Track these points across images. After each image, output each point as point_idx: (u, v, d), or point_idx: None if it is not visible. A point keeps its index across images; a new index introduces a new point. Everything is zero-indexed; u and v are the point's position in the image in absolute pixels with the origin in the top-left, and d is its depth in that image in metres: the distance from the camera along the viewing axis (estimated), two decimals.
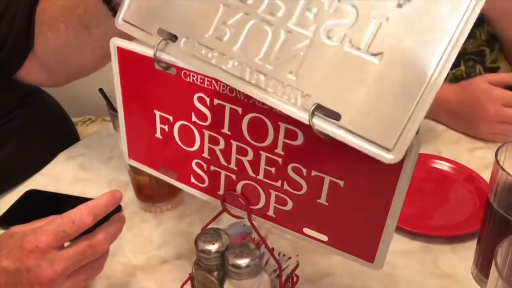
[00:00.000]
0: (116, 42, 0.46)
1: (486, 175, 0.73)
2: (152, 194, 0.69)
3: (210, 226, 0.51)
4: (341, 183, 0.41)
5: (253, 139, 0.43)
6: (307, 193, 0.43)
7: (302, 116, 0.37)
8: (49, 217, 0.51)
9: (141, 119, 0.49)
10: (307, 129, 0.38)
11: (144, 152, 0.52)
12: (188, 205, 0.72)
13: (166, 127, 0.48)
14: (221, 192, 0.48)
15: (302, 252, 0.64)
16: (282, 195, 0.44)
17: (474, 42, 0.98)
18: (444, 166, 0.76)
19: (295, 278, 0.57)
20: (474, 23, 0.98)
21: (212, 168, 0.47)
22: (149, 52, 0.44)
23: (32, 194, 0.74)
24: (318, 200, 0.43)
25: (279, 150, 0.42)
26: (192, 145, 0.47)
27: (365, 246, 0.43)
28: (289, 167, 0.42)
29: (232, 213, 0.48)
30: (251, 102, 0.41)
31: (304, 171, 0.42)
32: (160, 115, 0.48)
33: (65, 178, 0.77)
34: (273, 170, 0.43)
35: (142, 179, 0.68)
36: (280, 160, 0.43)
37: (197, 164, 0.48)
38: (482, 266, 0.58)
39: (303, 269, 0.62)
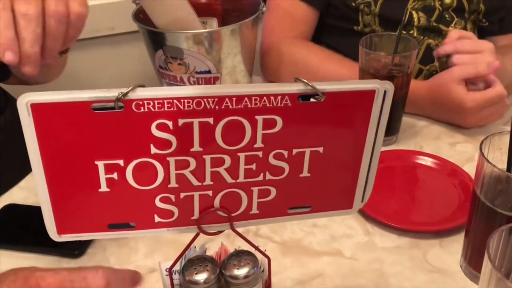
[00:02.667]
0: (29, 99, 0.37)
1: (468, 169, 0.74)
2: None
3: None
4: (321, 149, 0.43)
5: (229, 144, 0.42)
6: (290, 173, 0.44)
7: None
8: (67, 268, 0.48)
9: (75, 180, 0.41)
10: (286, 111, 0.40)
11: (83, 218, 0.44)
12: None
13: (114, 175, 0.41)
14: (195, 216, 0.45)
15: (292, 254, 0.64)
16: (265, 187, 0.44)
17: (446, 38, 0.99)
18: (427, 161, 0.77)
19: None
20: (446, 21, 0.99)
21: (182, 195, 0.43)
22: (82, 96, 0.38)
23: (10, 209, 0.72)
24: (301, 175, 0.44)
25: (258, 144, 0.42)
26: (153, 181, 0.42)
27: (343, 198, 0.46)
28: (270, 155, 0.42)
29: (209, 233, 0.45)
30: (223, 107, 0.40)
31: (285, 153, 0.43)
32: (104, 164, 0.41)
33: None
34: (253, 166, 0.43)
35: None
36: (260, 153, 0.42)
37: (162, 199, 0.44)
38: (471, 258, 0.59)
39: (293, 270, 0.62)
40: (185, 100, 0.39)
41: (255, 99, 0.39)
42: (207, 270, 0.45)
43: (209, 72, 0.85)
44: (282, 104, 0.40)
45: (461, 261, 0.61)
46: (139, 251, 0.65)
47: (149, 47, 0.87)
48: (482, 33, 1.06)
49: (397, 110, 0.80)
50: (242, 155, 0.42)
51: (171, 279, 0.47)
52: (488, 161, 0.52)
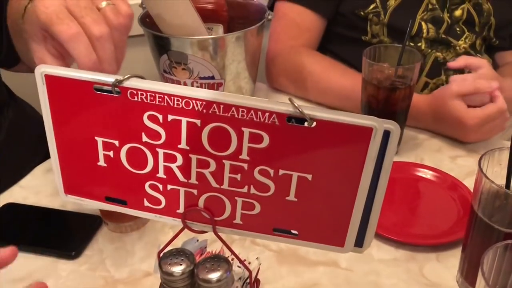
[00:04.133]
0: (43, 70, 0.42)
1: (468, 183, 0.74)
2: (120, 213, 0.66)
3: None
4: (309, 176, 0.41)
5: (215, 149, 0.42)
6: (275, 193, 0.43)
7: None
8: None
9: (79, 149, 0.46)
10: (273, 130, 0.39)
11: (84, 184, 0.48)
12: None
13: (111, 153, 0.45)
14: (180, 210, 0.46)
15: (288, 263, 0.64)
16: (249, 200, 0.44)
17: (454, 52, 0.99)
18: (427, 174, 0.76)
19: (258, 282, 0.56)
20: (457, 34, 0.99)
21: (169, 187, 0.45)
22: (86, 76, 0.42)
23: (10, 208, 0.72)
24: (287, 198, 0.43)
25: (244, 156, 0.41)
26: (144, 167, 0.45)
27: (335, 233, 0.44)
28: (256, 170, 0.42)
29: (194, 230, 0.47)
30: (210, 112, 0.40)
31: (272, 172, 0.42)
32: (102, 141, 0.44)
33: (45, 191, 0.76)
34: (238, 177, 0.43)
35: None
36: (245, 165, 0.42)
37: (151, 186, 0.46)
38: (468, 274, 0.58)
39: (289, 279, 0.62)
40: (175, 98, 0.41)
41: (242, 111, 0.39)
42: (180, 265, 0.46)
43: (212, 78, 0.86)
44: (270, 122, 0.39)
45: (458, 276, 0.61)
46: (136, 255, 0.65)
47: (154, 51, 0.88)
48: (491, 49, 1.06)
49: (398, 122, 0.80)
50: (227, 163, 0.42)
51: (159, 263, 0.48)
52: (486, 177, 0.52)
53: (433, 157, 0.83)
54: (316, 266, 0.63)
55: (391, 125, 0.39)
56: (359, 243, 0.44)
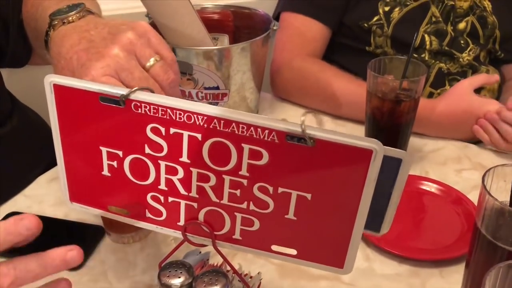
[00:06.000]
0: (52, 79, 0.43)
1: (473, 197, 0.73)
2: (123, 224, 0.66)
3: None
4: (309, 196, 0.41)
5: (215, 164, 0.42)
6: (275, 210, 0.43)
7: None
8: None
9: (84, 158, 0.47)
10: (272, 147, 0.39)
11: (89, 193, 0.49)
12: None
13: (114, 163, 0.45)
14: (181, 222, 0.46)
15: (290, 277, 0.63)
16: (248, 216, 0.44)
17: (458, 63, 0.99)
18: (431, 187, 0.76)
19: None
20: (461, 47, 0.99)
21: (170, 199, 0.46)
22: (92, 87, 0.42)
23: None
24: (286, 216, 0.43)
25: (243, 172, 0.42)
26: (146, 178, 0.45)
27: (334, 254, 0.44)
28: (255, 187, 0.42)
29: (195, 243, 0.47)
30: (211, 127, 0.41)
31: (271, 189, 0.42)
32: (107, 151, 0.45)
33: (48, 200, 0.76)
34: (238, 192, 0.43)
35: None
36: (245, 181, 0.42)
37: (153, 198, 0.46)
38: None
39: None
40: (177, 112, 0.41)
41: (242, 127, 0.39)
42: (179, 277, 0.47)
43: (217, 88, 0.86)
44: (269, 139, 0.39)
45: None
46: (138, 266, 0.65)
47: None
48: (497, 61, 1.05)
49: (403, 134, 0.80)
50: (227, 178, 0.42)
51: (158, 274, 0.48)
52: (489, 194, 0.51)
53: (438, 170, 0.82)
54: (318, 281, 0.63)
55: (402, 155, 0.38)
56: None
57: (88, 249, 0.67)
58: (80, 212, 0.73)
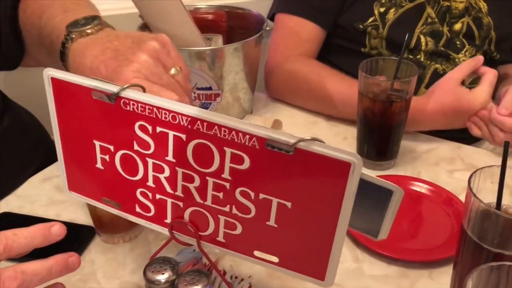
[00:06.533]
0: (50, 73, 0.45)
1: (464, 198, 0.73)
2: (113, 224, 0.67)
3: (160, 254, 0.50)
4: (289, 204, 0.41)
5: (199, 165, 0.43)
6: (256, 216, 0.43)
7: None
8: None
9: (80, 150, 0.48)
10: (253, 152, 0.40)
11: (85, 183, 0.51)
12: None
13: (107, 157, 0.47)
14: (168, 220, 0.47)
15: (278, 278, 0.63)
16: (231, 219, 0.44)
17: (453, 64, 0.99)
18: (422, 188, 0.76)
19: None
20: (457, 48, 0.99)
21: (158, 196, 0.47)
22: (85, 82, 0.44)
23: (5, 217, 0.72)
24: (267, 223, 0.43)
25: (226, 175, 0.42)
26: (136, 174, 0.46)
27: (315, 265, 0.43)
28: (237, 191, 0.42)
29: (181, 241, 0.48)
30: (195, 128, 0.41)
31: (252, 194, 0.42)
32: (100, 145, 0.47)
33: (40, 200, 0.76)
34: (221, 195, 0.43)
35: (102, 209, 0.65)
36: (227, 184, 0.42)
37: (142, 193, 0.47)
38: None
39: None
40: (163, 111, 0.42)
41: (224, 131, 0.40)
42: (163, 274, 0.48)
43: (210, 88, 0.86)
44: (250, 144, 0.39)
45: None
46: (127, 267, 0.65)
47: None
48: (493, 62, 1.05)
49: (395, 134, 0.80)
50: (210, 180, 0.43)
51: (144, 270, 0.50)
52: (475, 196, 0.51)
53: (430, 170, 0.82)
54: (306, 282, 0.63)
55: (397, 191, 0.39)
56: None
57: (79, 249, 0.67)
58: (71, 212, 0.74)
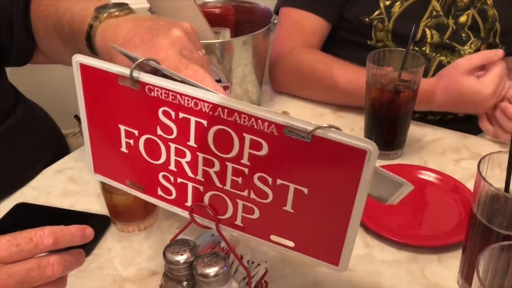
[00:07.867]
0: (78, 59, 0.47)
1: (471, 186, 0.74)
2: (128, 213, 0.69)
3: (179, 237, 0.51)
4: (305, 190, 0.42)
5: (219, 150, 0.44)
6: (273, 201, 0.44)
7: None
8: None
9: (106, 134, 0.50)
10: (272, 139, 0.40)
11: (110, 166, 0.52)
12: (177, 216, 0.72)
13: (131, 141, 0.48)
14: (188, 203, 0.49)
15: (292, 263, 0.65)
16: (249, 204, 0.45)
17: (458, 56, 1.00)
18: (430, 176, 0.77)
19: (264, 285, 0.57)
20: (462, 40, 1.00)
21: (179, 180, 0.48)
22: (112, 68, 0.45)
23: (21, 208, 0.74)
24: (284, 208, 0.44)
25: (245, 160, 0.43)
26: (158, 158, 0.48)
27: (330, 250, 0.44)
28: (255, 176, 0.43)
29: (200, 224, 0.49)
30: (216, 114, 0.42)
31: (270, 180, 0.43)
32: (125, 130, 0.48)
33: (55, 191, 0.78)
34: (239, 180, 0.44)
35: (118, 198, 0.67)
36: (246, 170, 0.43)
37: (164, 177, 0.49)
38: (468, 275, 0.59)
39: (292, 279, 0.63)
40: (186, 97, 0.43)
41: (244, 117, 0.41)
42: (182, 255, 0.48)
43: (219, 81, 0.87)
44: (268, 131, 0.40)
45: (458, 278, 0.61)
46: (143, 254, 0.67)
47: None
48: None
49: (402, 124, 0.81)
50: (229, 165, 0.44)
51: (164, 251, 0.50)
52: (484, 179, 0.53)
53: (437, 159, 0.83)
54: (319, 267, 0.64)
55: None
56: None
57: (95, 238, 0.68)
58: (86, 203, 0.75)
